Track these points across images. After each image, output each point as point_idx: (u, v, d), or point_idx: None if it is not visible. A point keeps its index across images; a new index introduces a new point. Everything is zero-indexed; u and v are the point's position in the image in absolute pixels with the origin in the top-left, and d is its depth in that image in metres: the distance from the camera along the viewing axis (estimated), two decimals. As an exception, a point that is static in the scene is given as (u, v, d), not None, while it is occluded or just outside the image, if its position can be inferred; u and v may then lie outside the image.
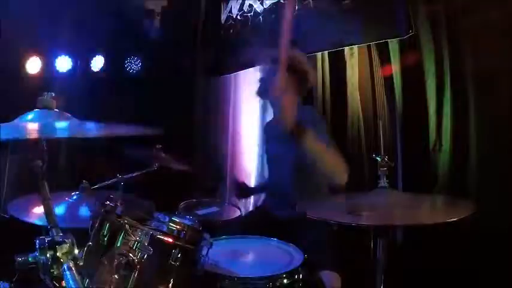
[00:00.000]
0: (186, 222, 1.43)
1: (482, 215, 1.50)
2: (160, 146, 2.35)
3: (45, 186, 1.22)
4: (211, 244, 1.45)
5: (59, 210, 1.89)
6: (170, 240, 1.36)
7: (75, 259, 1.07)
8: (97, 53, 3.63)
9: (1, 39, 2.81)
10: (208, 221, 2.27)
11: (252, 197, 3.20)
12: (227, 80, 3.70)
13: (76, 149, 3.32)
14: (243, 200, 2.72)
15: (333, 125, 2.78)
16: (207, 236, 1.46)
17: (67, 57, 3.52)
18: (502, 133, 2.16)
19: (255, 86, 2.36)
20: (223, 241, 1.84)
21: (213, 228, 2.12)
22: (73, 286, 0.99)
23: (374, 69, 2.69)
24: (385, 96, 2.63)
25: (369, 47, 2.70)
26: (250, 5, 3.33)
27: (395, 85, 2.57)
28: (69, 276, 1.01)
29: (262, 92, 2.35)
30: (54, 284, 1.04)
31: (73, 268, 1.03)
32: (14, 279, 1.68)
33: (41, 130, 1.20)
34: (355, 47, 2.75)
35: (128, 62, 3.77)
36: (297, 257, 1.66)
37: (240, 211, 2.45)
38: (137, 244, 1.29)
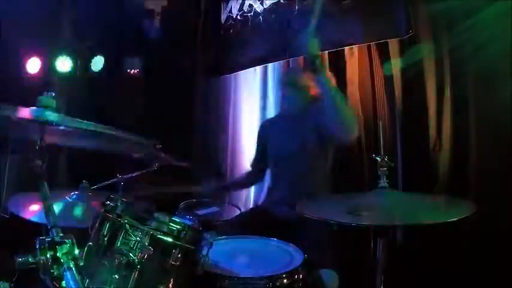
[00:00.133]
0: (186, 222, 1.43)
1: (482, 215, 1.50)
2: (160, 146, 2.35)
3: (45, 186, 1.22)
4: (211, 244, 1.45)
5: (59, 210, 1.89)
6: (170, 240, 1.36)
7: (75, 259, 1.06)
8: (97, 53, 3.63)
9: (1, 39, 2.82)
10: (208, 221, 2.28)
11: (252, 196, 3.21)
12: (227, 80, 3.70)
13: (76, 148, 3.32)
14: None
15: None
16: (207, 236, 1.46)
17: (67, 57, 3.52)
18: (502, 133, 2.16)
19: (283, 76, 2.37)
20: (223, 241, 1.84)
21: (213, 228, 2.13)
22: (73, 286, 0.99)
23: (374, 69, 2.69)
24: (385, 96, 2.63)
25: (369, 47, 2.69)
26: (250, 5, 3.33)
27: (395, 85, 2.57)
28: (69, 277, 1.01)
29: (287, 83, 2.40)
30: (54, 284, 1.04)
31: (73, 268, 1.03)
32: (14, 279, 1.68)
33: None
34: (355, 47, 2.75)
35: (127, 62, 3.77)
36: (297, 256, 1.66)
37: (240, 211, 2.45)
38: (137, 244, 1.29)
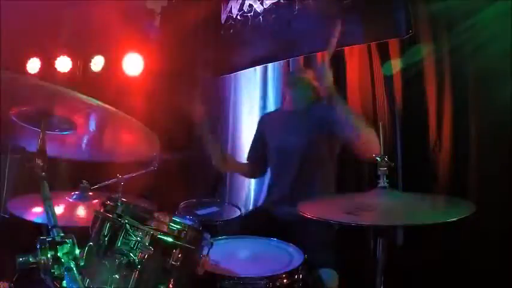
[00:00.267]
0: (186, 222, 1.43)
1: (482, 215, 1.50)
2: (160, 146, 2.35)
3: (45, 186, 1.22)
4: (211, 244, 1.45)
5: (59, 210, 1.89)
6: (170, 240, 1.36)
7: (76, 259, 1.07)
8: (97, 53, 3.64)
9: (1, 39, 2.82)
10: (209, 221, 2.28)
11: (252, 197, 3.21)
12: (227, 80, 3.70)
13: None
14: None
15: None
16: (207, 236, 1.46)
17: (67, 57, 3.52)
18: (502, 133, 2.16)
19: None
20: (223, 241, 1.84)
21: (213, 228, 2.13)
22: (74, 286, 0.99)
23: (374, 69, 2.69)
24: (385, 96, 2.63)
25: (369, 47, 2.70)
26: (250, 5, 3.33)
27: (395, 85, 2.57)
28: (69, 276, 1.01)
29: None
30: (54, 284, 1.04)
31: (74, 268, 1.03)
32: (14, 279, 1.68)
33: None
34: (355, 47, 2.75)
35: (127, 62, 3.77)
36: (297, 256, 1.67)
37: (240, 211, 2.45)
38: (137, 244, 1.29)
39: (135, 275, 1.28)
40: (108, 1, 3.39)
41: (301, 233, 1.95)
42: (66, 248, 1.06)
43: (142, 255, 1.29)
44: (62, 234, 1.09)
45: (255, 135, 2.61)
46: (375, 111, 2.68)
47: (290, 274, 1.56)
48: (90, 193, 2.04)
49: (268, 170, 2.51)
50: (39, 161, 1.28)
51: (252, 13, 3.32)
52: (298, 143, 2.28)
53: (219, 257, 1.61)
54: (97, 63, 3.64)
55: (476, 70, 2.27)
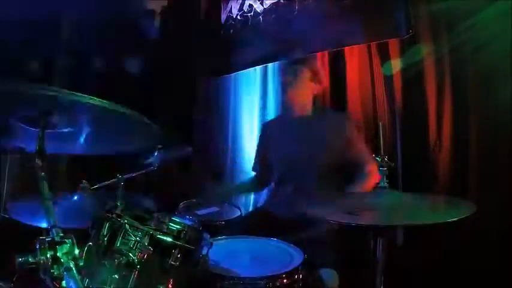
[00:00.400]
0: (186, 222, 1.43)
1: (482, 215, 1.50)
2: (160, 146, 2.35)
3: (45, 186, 1.22)
4: (211, 244, 1.45)
5: (59, 210, 1.89)
6: (170, 240, 1.36)
7: (75, 259, 1.06)
8: (97, 53, 3.63)
9: (1, 39, 2.82)
10: (209, 221, 2.27)
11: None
12: (227, 80, 3.70)
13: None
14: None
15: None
16: (207, 236, 1.46)
17: (67, 57, 3.52)
18: (502, 133, 2.16)
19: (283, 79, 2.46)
20: (223, 241, 1.84)
21: (214, 229, 2.13)
22: (73, 286, 0.99)
23: (374, 69, 2.69)
24: (385, 96, 2.63)
25: (369, 47, 2.69)
26: (250, 5, 3.33)
27: (395, 85, 2.57)
28: (69, 277, 1.01)
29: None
30: (54, 284, 1.04)
31: (73, 268, 1.03)
32: (14, 279, 1.68)
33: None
34: (355, 47, 2.75)
35: (127, 62, 3.76)
36: (297, 256, 1.67)
37: (240, 211, 2.44)
38: (137, 244, 1.29)
39: (135, 275, 1.28)
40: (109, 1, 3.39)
41: (301, 233, 1.95)
42: (66, 248, 1.06)
43: (142, 255, 1.29)
44: (62, 234, 1.09)
45: (259, 144, 2.62)
46: (375, 111, 2.68)
47: (290, 274, 1.56)
48: (90, 193, 2.03)
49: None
50: (39, 161, 1.28)
51: (252, 13, 3.32)
52: (303, 151, 2.30)
53: (219, 257, 1.61)
54: (97, 63, 3.64)
55: (476, 70, 2.27)
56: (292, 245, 1.76)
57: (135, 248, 1.29)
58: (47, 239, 1.06)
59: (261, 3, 3.25)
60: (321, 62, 2.79)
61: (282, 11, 3.08)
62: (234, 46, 3.50)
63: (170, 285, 1.35)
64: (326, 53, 2.89)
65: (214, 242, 1.48)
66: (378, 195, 1.64)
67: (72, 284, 0.99)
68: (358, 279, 2.03)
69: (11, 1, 2.90)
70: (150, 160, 2.34)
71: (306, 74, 2.36)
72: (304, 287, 1.59)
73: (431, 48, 2.42)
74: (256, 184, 2.70)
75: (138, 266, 1.28)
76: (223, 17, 3.61)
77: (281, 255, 1.71)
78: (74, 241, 1.09)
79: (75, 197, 2.00)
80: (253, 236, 1.89)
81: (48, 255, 1.04)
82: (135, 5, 3.65)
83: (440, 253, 2.25)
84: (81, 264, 1.11)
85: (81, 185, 2.01)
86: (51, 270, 1.03)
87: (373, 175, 2.21)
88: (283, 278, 1.54)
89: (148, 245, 1.31)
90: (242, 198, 3.29)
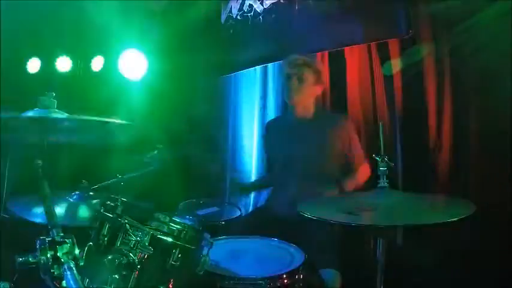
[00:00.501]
0: (187, 222, 1.43)
1: (482, 215, 1.50)
2: (160, 146, 2.36)
3: (45, 186, 1.22)
4: (211, 244, 1.45)
5: (59, 210, 1.89)
6: (170, 240, 1.35)
7: (75, 259, 1.06)
8: (96, 53, 3.63)
9: (1, 39, 2.82)
10: (209, 221, 2.28)
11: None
12: (227, 80, 3.70)
13: (76, 148, 3.32)
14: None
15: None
16: (207, 236, 1.46)
17: (67, 57, 3.52)
18: (502, 133, 2.16)
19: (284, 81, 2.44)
20: (223, 241, 1.84)
21: (214, 229, 2.13)
22: (73, 286, 0.99)
23: (374, 69, 2.69)
24: (385, 96, 2.63)
25: (369, 47, 2.69)
26: (250, 5, 3.33)
27: (395, 85, 2.57)
28: (69, 276, 1.01)
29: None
30: (54, 284, 1.04)
31: (73, 268, 1.03)
32: (14, 279, 1.68)
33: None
34: (355, 47, 2.75)
35: (127, 62, 3.76)
36: (298, 256, 1.67)
37: (240, 211, 2.45)
38: (137, 244, 1.29)
39: (135, 275, 1.28)
40: (108, 1, 3.39)
41: (302, 233, 1.95)
42: (66, 247, 1.06)
43: (142, 255, 1.29)
44: (62, 234, 1.09)
45: (265, 145, 2.63)
46: (374, 111, 2.68)
47: (291, 274, 1.56)
48: (90, 193, 2.03)
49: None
50: (39, 161, 1.28)
51: (252, 13, 3.32)
52: (304, 152, 2.30)
53: (219, 257, 1.60)
54: (97, 63, 3.64)
55: (476, 70, 2.27)
56: (292, 245, 1.76)
57: (136, 248, 1.29)
58: (47, 239, 1.06)
59: (261, 3, 3.25)
60: (321, 62, 2.79)
61: (282, 11, 3.08)
62: (234, 46, 3.50)
63: (170, 285, 1.35)
64: (326, 53, 2.89)
65: (214, 242, 1.48)
66: (378, 195, 1.63)
67: (72, 284, 0.99)
68: (358, 279, 2.03)
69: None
70: (150, 160, 2.34)
71: (311, 78, 2.35)
72: (304, 287, 1.59)
73: (431, 48, 2.42)
74: (270, 183, 2.68)
75: (139, 266, 1.28)
76: (223, 17, 3.61)
77: (281, 255, 1.71)
78: (74, 241, 1.09)
79: (75, 197, 2.00)
80: (253, 236, 1.89)
81: (49, 255, 1.04)
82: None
83: (440, 253, 2.25)
84: (82, 264, 1.11)
85: (81, 185, 2.01)
86: (51, 270, 1.03)
87: (363, 174, 2.29)
88: (284, 278, 1.54)
89: (149, 245, 1.30)
90: (242, 198, 3.29)
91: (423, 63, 2.45)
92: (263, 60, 3.29)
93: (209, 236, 1.47)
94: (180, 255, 1.35)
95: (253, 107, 3.49)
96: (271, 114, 3.30)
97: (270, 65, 3.33)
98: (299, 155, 2.33)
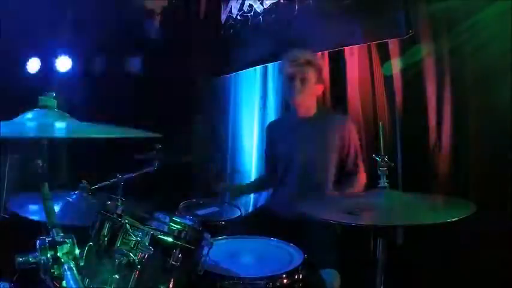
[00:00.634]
0: (187, 222, 1.43)
1: (482, 215, 1.50)
2: (160, 146, 2.36)
3: (45, 186, 1.22)
4: (211, 244, 1.45)
5: (59, 210, 1.89)
6: (170, 240, 1.36)
7: (75, 259, 1.07)
8: (97, 53, 3.63)
9: (1, 39, 2.81)
10: (209, 221, 2.28)
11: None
12: (227, 80, 3.70)
13: (76, 148, 3.32)
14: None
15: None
16: (207, 236, 1.46)
17: (67, 57, 3.52)
18: (502, 133, 2.16)
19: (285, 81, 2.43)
20: (223, 241, 1.84)
21: (214, 229, 2.13)
22: (73, 286, 0.99)
23: (374, 69, 2.69)
24: (385, 96, 2.63)
25: (369, 47, 2.69)
26: (250, 5, 3.33)
27: (395, 85, 2.57)
28: (69, 276, 1.01)
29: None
30: (54, 284, 1.04)
31: (73, 268, 1.03)
32: (14, 279, 1.68)
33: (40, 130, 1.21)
34: (355, 47, 2.75)
35: (127, 62, 3.77)
36: (297, 256, 1.66)
37: (240, 211, 2.45)
38: (137, 244, 1.29)
39: (135, 275, 1.28)
40: (108, 1, 3.40)
41: (302, 233, 1.95)
42: (66, 248, 1.06)
43: (142, 255, 1.29)
44: (62, 234, 1.09)
45: (266, 145, 2.63)
46: (375, 111, 2.68)
47: (290, 274, 1.55)
48: (90, 193, 2.03)
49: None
50: (39, 161, 1.28)
51: (252, 13, 3.33)
52: (306, 152, 2.30)
53: (219, 257, 1.60)
54: (96, 63, 3.64)
55: (476, 70, 2.27)
56: (292, 245, 1.76)
57: (136, 248, 1.29)
58: (47, 239, 1.07)
59: (261, 3, 3.25)
60: (321, 61, 2.79)
61: (282, 11, 3.09)
62: (234, 46, 3.50)
63: (170, 285, 1.35)
64: (326, 53, 2.89)
65: (214, 242, 1.48)
66: (378, 195, 1.63)
67: (72, 284, 0.99)
68: (358, 279, 2.03)
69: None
70: (150, 160, 2.34)
71: (314, 77, 2.34)
72: (304, 287, 1.59)
73: (431, 48, 2.42)
74: (266, 184, 2.69)
75: (139, 266, 1.28)
76: (223, 17, 3.61)
77: (281, 255, 1.71)
78: (74, 241, 1.09)
79: (75, 196, 2.00)
80: (253, 236, 1.89)
81: (49, 255, 1.04)
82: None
83: (440, 253, 2.25)
84: (82, 264, 1.11)
85: (81, 185, 2.01)
86: (52, 270, 1.03)
87: (362, 178, 2.31)
88: (283, 278, 1.54)
89: (149, 245, 1.30)
90: (242, 198, 3.29)
91: (423, 63, 2.45)
92: (263, 60, 3.29)
93: (209, 236, 1.47)
94: (180, 255, 1.35)
95: (253, 107, 3.49)
96: (271, 114, 3.30)
97: (270, 65, 3.33)
98: (301, 154, 2.32)
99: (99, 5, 3.36)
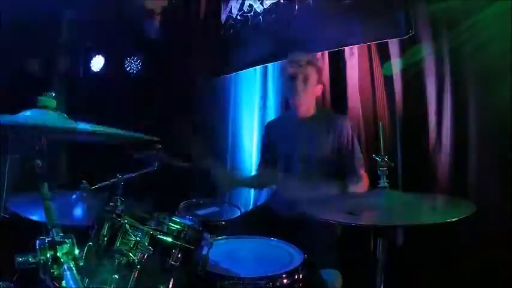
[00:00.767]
0: (186, 222, 1.43)
1: (482, 215, 1.50)
2: (160, 146, 2.36)
3: (45, 186, 1.22)
4: (211, 244, 1.45)
5: (59, 210, 1.89)
6: (170, 240, 1.35)
7: (75, 259, 1.06)
8: (97, 53, 3.64)
9: (1, 39, 2.82)
10: (209, 221, 2.28)
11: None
12: (227, 80, 3.70)
13: (76, 148, 3.32)
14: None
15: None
16: (207, 236, 1.45)
17: (67, 57, 3.52)
18: (502, 133, 2.16)
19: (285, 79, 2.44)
20: (223, 241, 1.84)
21: (214, 229, 2.13)
22: (73, 286, 0.99)
23: (374, 69, 2.69)
24: (385, 96, 2.63)
25: (369, 47, 2.69)
26: (250, 5, 3.33)
27: (395, 85, 2.57)
28: (69, 276, 1.01)
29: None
30: (54, 284, 1.04)
31: (73, 268, 1.03)
32: (14, 279, 1.68)
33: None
34: (355, 47, 2.75)
35: (127, 62, 3.77)
36: (297, 256, 1.66)
37: (240, 211, 2.45)
38: (137, 244, 1.29)
39: (135, 275, 1.28)
40: (108, 1, 3.40)
41: (302, 233, 1.95)
42: (66, 248, 1.06)
43: (142, 255, 1.29)
44: (62, 234, 1.09)
45: (263, 144, 2.63)
46: (375, 111, 2.68)
47: (290, 274, 1.55)
48: (90, 193, 2.03)
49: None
50: (39, 161, 1.28)
51: (252, 13, 3.32)
52: (306, 151, 2.30)
53: (219, 257, 1.60)
54: (97, 63, 3.65)
55: (476, 70, 2.27)
56: (292, 244, 1.76)
57: (136, 248, 1.29)
58: (47, 239, 1.06)
59: (261, 3, 3.25)
60: (321, 62, 2.80)
61: (282, 11, 3.09)
62: (234, 46, 3.50)
63: (170, 285, 1.35)
64: (326, 53, 2.89)
65: (214, 242, 1.48)
66: (378, 195, 1.63)
67: (72, 284, 0.99)
68: (358, 279, 2.03)
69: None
70: (150, 160, 2.34)
71: (314, 77, 2.36)
72: (304, 287, 1.59)
73: (431, 48, 2.42)
74: (259, 183, 2.69)
75: (139, 266, 1.28)
76: (223, 17, 3.61)
77: (281, 255, 1.71)
78: (74, 241, 1.09)
79: (75, 196, 2.00)
80: (253, 236, 1.89)
81: (48, 255, 1.04)
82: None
83: (440, 253, 2.25)
84: (81, 264, 1.11)
85: (81, 185, 2.01)
86: (51, 270, 1.03)
87: (365, 179, 2.29)
88: (283, 278, 1.54)
89: (149, 245, 1.30)
90: (242, 198, 3.29)
91: (423, 63, 2.45)
92: (263, 60, 3.29)
93: (209, 236, 1.47)
94: (180, 255, 1.35)
95: (253, 107, 3.49)
96: (271, 114, 3.30)
97: (270, 65, 3.33)
98: (301, 154, 2.33)
99: (99, 4, 3.36)
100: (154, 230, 1.34)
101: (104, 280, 1.26)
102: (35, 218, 1.74)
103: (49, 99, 1.30)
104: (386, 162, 1.65)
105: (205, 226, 1.85)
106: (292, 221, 2.01)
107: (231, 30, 3.52)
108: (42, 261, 1.04)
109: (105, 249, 1.32)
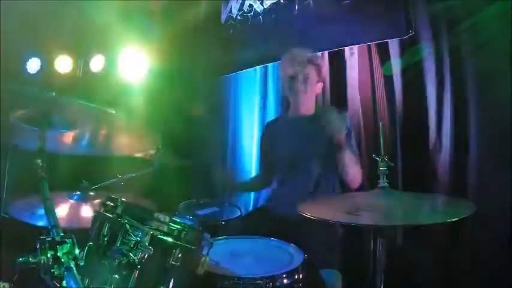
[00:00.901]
0: (186, 222, 1.43)
1: (482, 215, 1.50)
2: (160, 146, 2.36)
3: (45, 186, 1.22)
4: (211, 244, 1.45)
5: (59, 210, 1.89)
6: (170, 240, 1.35)
7: (75, 259, 1.07)
8: (97, 53, 3.63)
9: (1, 39, 2.82)
10: (209, 221, 2.28)
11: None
12: (227, 80, 3.70)
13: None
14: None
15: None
16: (207, 236, 1.45)
17: (67, 57, 3.52)
18: (502, 133, 2.16)
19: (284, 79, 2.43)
20: (223, 241, 1.84)
21: (214, 229, 2.13)
22: (73, 286, 0.99)
23: (374, 69, 2.69)
24: (385, 96, 2.64)
25: (369, 47, 2.70)
26: (250, 5, 3.33)
27: (395, 85, 2.57)
28: (69, 276, 1.01)
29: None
30: (54, 284, 1.04)
31: (73, 268, 1.03)
32: (14, 279, 1.68)
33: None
34: (355, 47, 2.75)
35: (127, 62, 3.76)
36: (297, 256, 1.67)
37: (240, 211, 2.45)
38: (137, 244, 1.29)
39: (135, 275, 1.28)
40: (108, 1, 3.39)
41: (302, 233, 1.95)
42: (66, 248, 1.06)
43: (142, 255, 1.29)
44: (62, 234, 1.09)
45: (262, 145, 2.63)
46: (375, 111, 2.68)
47: (290, 274, 1.55)
48: (90, 193, 2.04)
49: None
50: (39, 161, 1.28)
51: (252, 13, 3.32)
52: (306, 150, 2.30)
53: (219, 257, 1.60)
54: (97, 63, 3.64)
55: (476, 70, 2.27)
56: (292, 245, 1.76)
57: (136, 248, 1.29)
58: (47, 239, 1.06)
59: (261, 3, 3.25)
60: (321, 61, 2.79)
61: (282, 11, 3.09)
62: (234, 46, 3.50)
63: (170, 285, 1.35)
64: (326, 53, 2.89)
65: (214, 242, 1.48)
66: (378, 195, 1.63)
67: (72, 284, 0.99)
68: (358, 279, 2.03)
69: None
70: (150, 160, 2.34)
71: (314, 76, 2.36)
72: (304, 287, 1.59)
73: (431, 48, 2.42)
74: (259, 183, 2.69)
75: (139, 266, 1.28)
76: (223, 17, 3.61)
77: (281, 255, 1.71)
78: (75, 241, 1.09)
79: (75, 197, 2.00)
80: (253, 236, 1.89)
81: (49, 255, 1.04)
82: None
83: (440, 253, 2.25)
84: (82, 264, 1.11)
85: (81, 185, 2.02)
86: (52, 270, 1.03)
87: (357, 176, 2.26)
88: (283, 278, 1.54)
89: (149, 245, 1.30)
90: (242, 198, 3.29)
91: (423, 63, 2.45)
92: (263, 60, 3.29)
93: (209, 236, 1.47)
94: (180, 255, 1.35)
95: (253, 107, 3.49)
96: (271, 114, 3.30)
97: (270, 65, 3.33)
98: (302, 154, 2.32)
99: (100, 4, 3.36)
100: (155, 230, 1.34)
101: (104, 280, 1.26)
102: (39, 223, 1.74)
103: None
104: (386, 162, 1.65)
105: (205, 226, 1.86)
106: (292, 221, 2.00)
107: (231, 30, 3.52)
108: (42, 261, 1.04)
109: (105, 249, 1.31)
